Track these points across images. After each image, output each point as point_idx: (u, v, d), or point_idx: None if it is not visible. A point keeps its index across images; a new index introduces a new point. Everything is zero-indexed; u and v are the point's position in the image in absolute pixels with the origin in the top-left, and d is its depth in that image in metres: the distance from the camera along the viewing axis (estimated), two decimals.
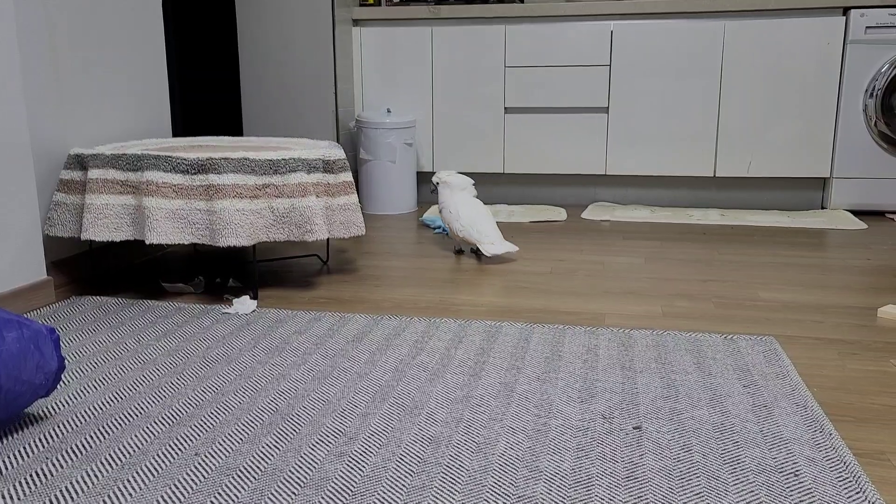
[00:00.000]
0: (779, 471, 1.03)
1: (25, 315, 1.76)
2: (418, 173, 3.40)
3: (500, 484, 1.00)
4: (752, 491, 0.98)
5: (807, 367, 1.42)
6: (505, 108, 3.26)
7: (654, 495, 0.97)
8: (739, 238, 2.63)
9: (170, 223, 1.81)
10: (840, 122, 3.00)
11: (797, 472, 1.02)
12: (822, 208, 3.14)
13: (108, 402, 1.28)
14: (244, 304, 1.81)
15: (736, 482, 1.00)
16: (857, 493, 0.97)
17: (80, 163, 1.90)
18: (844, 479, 1.00)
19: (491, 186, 3.42)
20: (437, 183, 2.43)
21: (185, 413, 1.24)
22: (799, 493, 0.97)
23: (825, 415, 1.20)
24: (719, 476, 1.02)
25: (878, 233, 2.70)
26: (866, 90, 2.93)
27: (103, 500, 0.97)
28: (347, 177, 2.04)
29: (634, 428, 1.16)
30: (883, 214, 3.02)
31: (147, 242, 1.80)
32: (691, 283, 2.04)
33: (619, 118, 3.18)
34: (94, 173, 1.86)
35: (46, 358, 1.15)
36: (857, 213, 3.03)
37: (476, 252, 2.41)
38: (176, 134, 2.71)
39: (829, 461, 1.05)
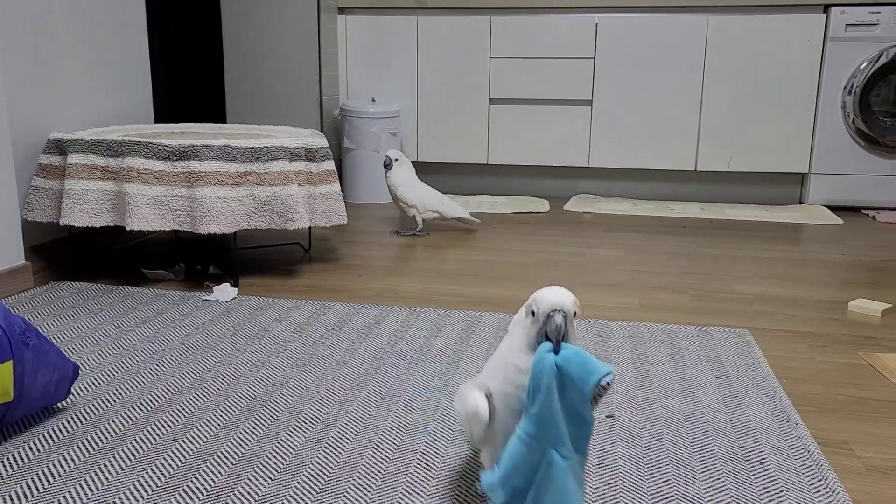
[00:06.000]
0: (745, 459, 1.06)
1: (3, 301, 1.75)
2: None
3: (474, 470, 1.02)
4: (719, 478, 1.00)
5: (778, 359, 1.45)
6: (490, 98, 3.27)
7: (623, 482, 0.99)
8: (718, 232, 2.66)
9: (150, 210, 1.81)
10: (819, 119, 3.04)
11: (763, 461, 1.05)
12: (801, 203, 3.18)
13: (85, 388, 1.28)
14: (224, 292, 1.81)
15: (704, 470, 1.03)
16: (819, 480, 1.00)
17: (60, 148, 1.89)
18: (808, 468, 1.03)
19: (475, 177, 3.43)
20: (396, 160, 2.55)
21: (163, 399, 1.24)
22: (763, 480, 1.00)
23: (793, 405, 1.23)
24: (688, 464, 1.04)
25: (853, 228, 2.75)
26: (845, 87, 2.97)
27: (79, 484, 0.98)
28: (330, 165, 2.04)
29: (607, 416, 1.19)
30: (859, 210, 3.07)
31: (128, 229, 1.79)
32: (670, 275, 2.07)
33: (603, 111, 3.20)
34: (73, 158, 1.85)
35: (57, 396, 1.18)
36: (834, 209, 3.07)
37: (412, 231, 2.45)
38: (158, 120, 2.70)
39: (793, 450, 1.08)
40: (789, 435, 1.13)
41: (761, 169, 3.14)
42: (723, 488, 0.98)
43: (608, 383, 0.78)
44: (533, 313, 0.84)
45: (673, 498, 0.96)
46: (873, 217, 2.95)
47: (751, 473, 1.02)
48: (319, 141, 2.03)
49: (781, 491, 0.97)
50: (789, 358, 1.46)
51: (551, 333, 0.80)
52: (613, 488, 0.98)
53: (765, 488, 0.98)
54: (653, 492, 0.97)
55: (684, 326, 1.62)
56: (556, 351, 0.79)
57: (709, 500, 0.95)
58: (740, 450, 1.08)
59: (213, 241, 2.41)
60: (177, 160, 1.82)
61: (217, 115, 3.30)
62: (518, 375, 0.83)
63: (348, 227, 2.68)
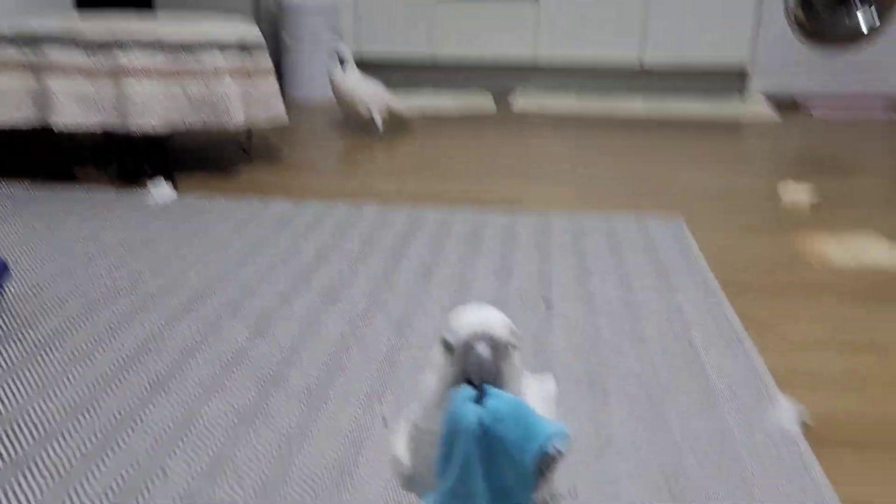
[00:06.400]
0: (676, 340, 1.11)
1: None
2: None
3: (415, 357, 1.05)
4: (650, 358, 1.05)
5: (711, 246, 1.50)
6: None
7: (559, 362, 1.04)
8: (660, 127, 2.68)
9: (76, 105, 1.72)
10: (761, 12, 3.03)
11: (691, 341, 1.10)
12: (741, 95, 3.22)
13: (19, 288, 1.25)
14: (161, 191, 1.76)
15: (636, 351, 1.07)
16: (743, 357, 1.06)
17: None
18: (732, 347, 1.09)
19: (420, 73, 3.35)
20: (346, 61, 2.42)
21: (100, 297, 1.22)
22: (691, 358, 1.05)
23: (721, 289, 1.29)
24: (621, 347, 1.09)
25: (790, 123, 2.80)
26: None
27: (16, 376, 0.97)
28: (266, 61, 1.96)
29: (543, 298, 1.22)
30: (797, 105, 3.13)
31: (55, 129, 1.71)
32: (611, 169, 2.09)
33: (550, 7, 3.12)
34: None
35: None
36: (775, 101, 3.12)
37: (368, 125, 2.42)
38: (80, 7, 2.51)
39: (720, 331, 1.14)
40: (717, 316, 1.18)
41: (703, 62, 3.14)
42: (652, 366, 1.03)
43: (558, 451, 0.52)
44: (449, 347, 0.56)
45: (608, 377, 1.00)
46: (810, 113, 3.01)
47: (680, 353, 1.07)
48: (253, 32, 1.94)
49: (706, 366, 1.03)
50: (721, 245, 1.51)
51: (472, 372, 0.54)
52: (549, 369, 1.02)
53: (691, 365, 1.04)
54: (587, 371, 1.02)
55: (622, 217, 1.65)
56: (481, 399, 0.53)
57: (639, 376, 1.00)
58: (671, 332, 1.13)
59: (148, 142, 2.32)
60: (101, 53, 1.72)
61: (143, 1, 3.10)
62: (434, 448, 0.55)
63: (289, 124, 2.60)
